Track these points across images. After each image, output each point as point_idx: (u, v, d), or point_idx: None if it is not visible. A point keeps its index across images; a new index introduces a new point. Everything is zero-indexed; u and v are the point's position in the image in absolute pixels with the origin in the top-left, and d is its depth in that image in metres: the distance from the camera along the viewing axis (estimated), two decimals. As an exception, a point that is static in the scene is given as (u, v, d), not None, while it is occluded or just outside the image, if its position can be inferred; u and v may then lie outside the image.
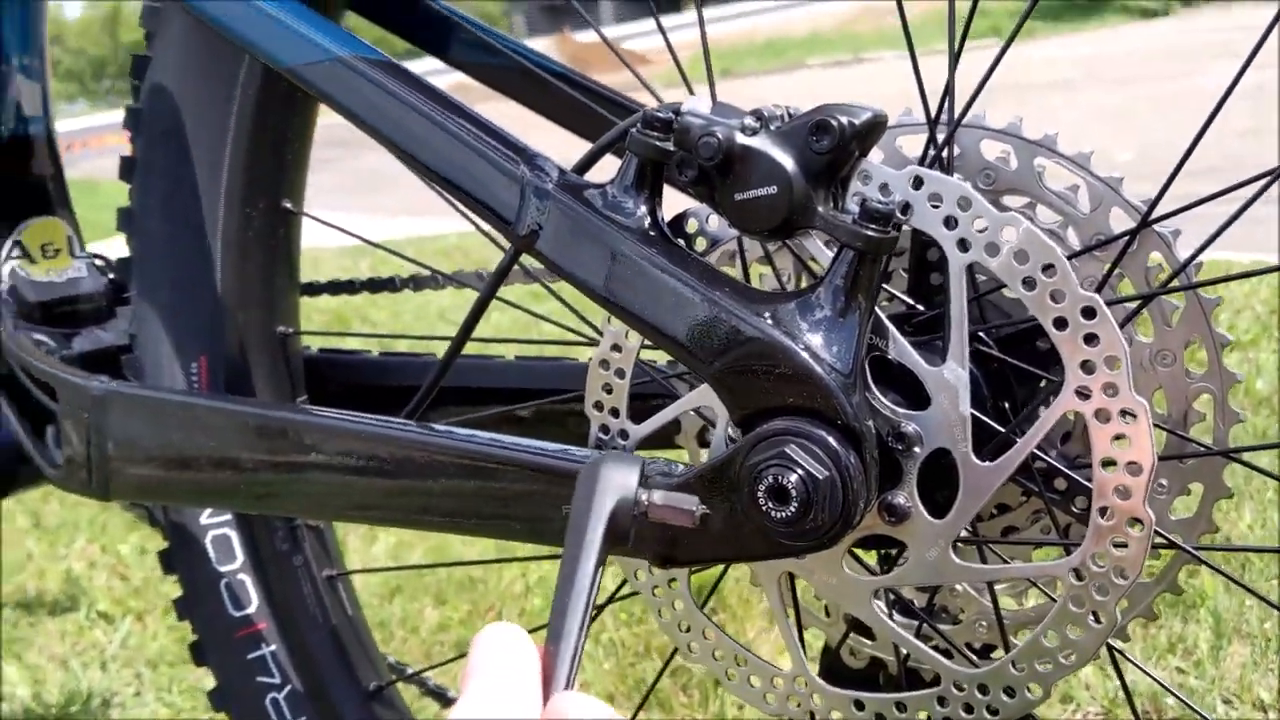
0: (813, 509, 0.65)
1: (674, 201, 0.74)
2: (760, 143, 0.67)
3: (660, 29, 0.90)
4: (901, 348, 0.69)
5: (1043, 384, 0.79)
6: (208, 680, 1.09)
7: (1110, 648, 0.78)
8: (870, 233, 0.65)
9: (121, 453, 0.96)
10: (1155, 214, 0.74)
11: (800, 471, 0.65)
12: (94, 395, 0.97)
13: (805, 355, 0.66)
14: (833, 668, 0.87)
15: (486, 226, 0.81)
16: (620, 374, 0.78)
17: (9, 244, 1.14)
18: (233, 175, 1.00)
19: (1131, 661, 0.78)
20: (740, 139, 0.68)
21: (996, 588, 0.83)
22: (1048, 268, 0.64)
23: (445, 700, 1.13)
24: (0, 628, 2.38)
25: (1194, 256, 0.72)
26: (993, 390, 0.78)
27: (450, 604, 2.19)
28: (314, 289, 1.14)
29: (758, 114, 0.69)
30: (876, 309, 0.68)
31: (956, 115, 0.74)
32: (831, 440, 0.65)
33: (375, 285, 1.11)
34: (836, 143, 0.66)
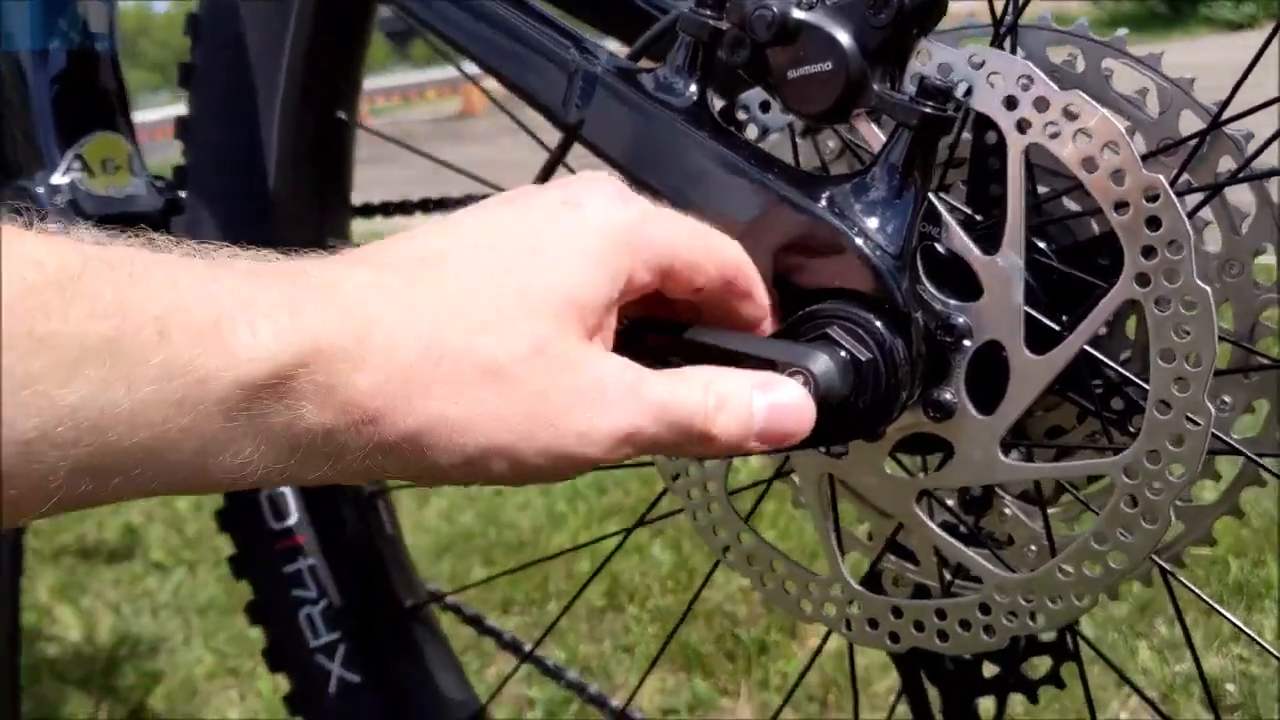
0: (854, 393, 0.63)
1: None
2: (816, 17, 0.65)
3: None
4: (955, 235, 0.67)
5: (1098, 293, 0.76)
6: (253, 629, 1.09)
7: (1164, 570, 0.75)
8: (927, 110, 0.63)
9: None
10: (1226, 115, 0.71)
11: (842, 353, 0.63)
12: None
13: (855, 237, 0.64)
14: (874, 587, 0.84)
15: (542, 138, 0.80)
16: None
17: (70, 156, 1.14)
18: (288, 84, 0.99)
19: (1186, 585, 0.75)
20: (795, 13, 0.66)
21: (1048, 513, 0.81)
22: (1110, 146, 0.61)
23: (482, 627, 1.12)
24: (58, 573, 2.41)
25: (1266, 145, 0.68)
26: (1050, 299, 0.76)
27: (499, 564, 2.19)
28: (368, 210, 1.14)
29: (814, -12, 0.67)
30: (931, 196, 0.66)
31: (1019, 7, 0.72)
32: (877, 324, 0.63)
33: (429, 205, 1.11)
34: (895, 15, 0.64)
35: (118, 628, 2.16)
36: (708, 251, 0.58)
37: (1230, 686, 1.57)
